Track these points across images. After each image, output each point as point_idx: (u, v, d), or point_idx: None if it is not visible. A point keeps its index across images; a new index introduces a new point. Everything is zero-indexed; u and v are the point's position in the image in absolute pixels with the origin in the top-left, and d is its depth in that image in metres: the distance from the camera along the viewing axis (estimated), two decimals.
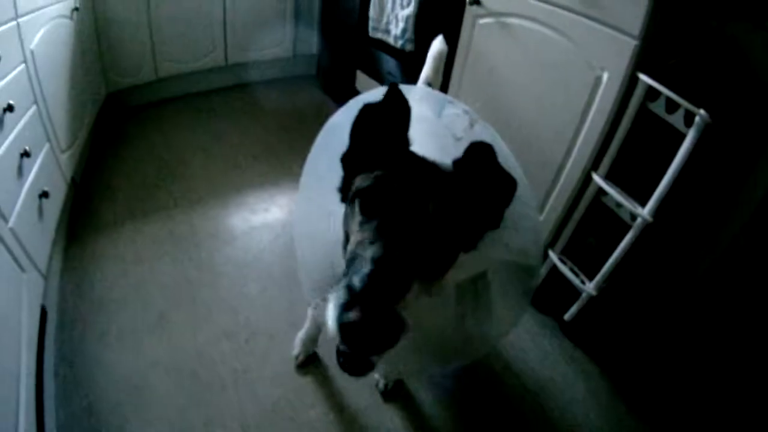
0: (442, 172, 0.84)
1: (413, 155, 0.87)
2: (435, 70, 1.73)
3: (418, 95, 1.30)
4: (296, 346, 1.71)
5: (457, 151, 0.83)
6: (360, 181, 0.83)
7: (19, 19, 1.77)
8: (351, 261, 0.72)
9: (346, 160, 0.91)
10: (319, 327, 1.61)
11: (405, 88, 0.87)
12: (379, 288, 0.63)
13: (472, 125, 1.17)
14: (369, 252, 0.69)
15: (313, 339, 1.68)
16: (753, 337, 1.62)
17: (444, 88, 2.19)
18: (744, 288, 1.65)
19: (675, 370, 1.77)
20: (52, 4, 2.17)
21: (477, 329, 1.08)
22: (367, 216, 0.78)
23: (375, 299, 0.62)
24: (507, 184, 0.80)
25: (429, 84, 1.68)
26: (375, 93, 1.08)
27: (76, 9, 2.54)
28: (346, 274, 0.71)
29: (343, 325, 0.62)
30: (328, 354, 1.73)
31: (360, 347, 0.64)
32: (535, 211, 1.31)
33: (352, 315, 0.61)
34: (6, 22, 1.66)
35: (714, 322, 1.72)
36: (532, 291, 1.08)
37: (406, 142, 0.89)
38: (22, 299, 1.44)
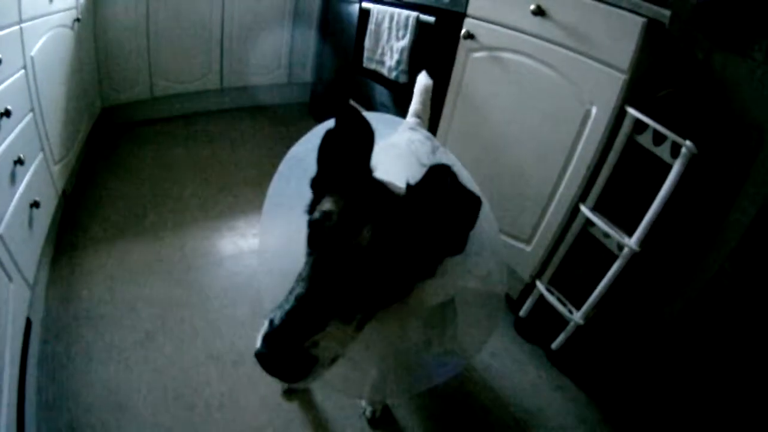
0: (395, 197, 0.81)
1: (372, 180, 0.85)
2: (423, 103, 1.73)
3: (383, 122, 1.27)
4: None
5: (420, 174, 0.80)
6: (316, 210, 0.82)
7: (23, 24, 1.73)
8: (290, 292, 0.72)
9: (315, 184, 0.90)
10: None
11: (369, 115, 0.84)
12: (291, 327, 0.66)
13: (434, 151, 1.20)
14: (297, 288, 0.71)
15: None
16: (740, 362, 1.60)
17: (435, 120, 2.19)
18: (731, 314, 1.63)
19: (663, 398, 1.73)
20: (55, 13, 2.13)
21: (443, 354, 1.07)
22: (310, 249, 0.78)
23: (285, 337, 0.65)
24: (471, 204, 0.76)
25: (418, 117, 1.68)
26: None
27: (78, 20, 2.51)
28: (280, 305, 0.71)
29: (257, 355, 0.66)
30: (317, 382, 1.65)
31: (272, 374, 0.67)
32: (497, 236, 1.30)
33: (263, 349, 0.66)
34: (10, 26, 1.61)
35: (701, 348, 1.69)
36: (498, 315, 1.12)
37: (366, 166, 0.86)
38: (7, 310, 1.36)
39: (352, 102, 3.09)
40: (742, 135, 1.48)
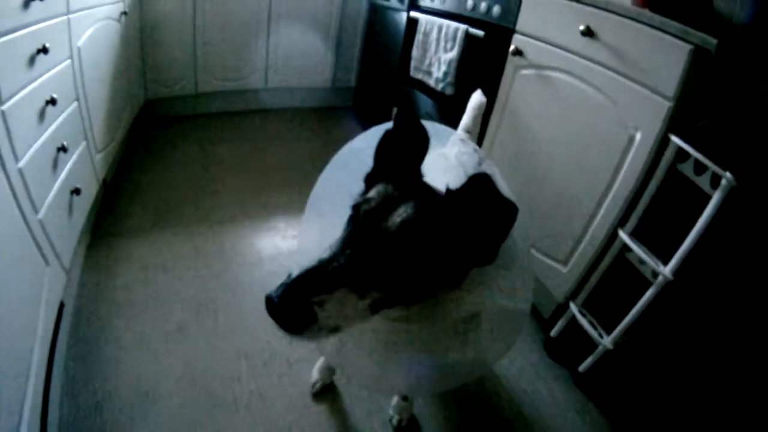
0: (434, 197, 0.83)
1: (419, 181, 0.89)
2: (474, 120, 1.71)
3: (438, 133, 1.33)
4: (314, 375, 1.62)
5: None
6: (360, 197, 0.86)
7: (70, 15, 1.73)
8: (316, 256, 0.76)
9: (369, 178, 0.93)
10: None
11: (428, 125, 0.90)
12: (302, 282, 0.70)
13: (480, 164, 1.23)
14: (323, 253, 0.75)
15: (330, 369, 1.61)
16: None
17: (481, 134, 2.16)
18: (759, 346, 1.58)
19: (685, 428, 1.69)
20: (102, 5, 2.15)
21: (460, 362, 1.08)
22: (348, 224, 0.82)
23: (296, 288, 0.69)
24: (506, 211, 0.76)
25: (468, 132, 1.66)
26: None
27: (125, 13, 2.53)
28: None
29: (266, 297, 0.69)
30: (345, 386, 1.64)
31: (273, 318, 0.70)
32: (528, 252, 1.33)
33: (274, 293, 0.69)
34: (57, 16, 1.62)
35: (728, 381, 1.64)
36: (520, 332, 1.11)
37: (417, 167, 0.91)
38: (42, 292, 1.37)
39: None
40: None
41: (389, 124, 0.92)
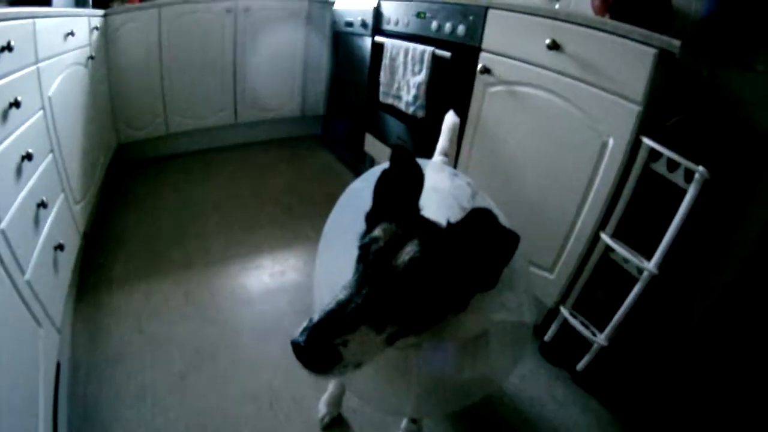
0: (437, 232, 0.86)
1: (419, 216, 0.91)
2: (450, 141, 1.73)
3: (431, 168, 1.39)
4: (321, 409, 1.58)
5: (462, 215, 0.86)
6: (367, 236, 0.88)
7: (39, 64, 1.67)
8: (333, 298, 0.77)
9: (369, 217, 0.95)
10: (343, 388, 1.55)
11: (421, 162, 0.93)
12: (325, 325, 0.71)
13: (474, 196, 1.27)
14: (339, 294, 0.76)
15: (337, 401, 1.58)
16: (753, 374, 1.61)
17: (455, 154, 2.15)
18: (740, 328, 1.65)
19: (686, 411, 1.71)
20: (70, 51, 2.09)
21: (475, 379, 1.10)
22: (358, 264, 0.84)
23: (321, 331, 0.71)
24: (509, 241, 0.80)
25: (445, 154, 1.69)
26: None
27: (92, 57, 2.47)
28: None
29: (292, 343, 0.71)
30: (353, 416, 1.60)
31: (301, 362, 0.72)
32: (528, 270, 1.36)
33: (299, 338, 0.71)
34: (27, 66, 1.56)
35: (717, 361, 1.70)
36: (527, 344, 1.13)
37: (415, 204, 0.93)
38: (38, 356, 1.30)
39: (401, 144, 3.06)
40: (754, 149, 1.49)
41: (386, 164, 0.94)
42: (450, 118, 1.77)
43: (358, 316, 0.74)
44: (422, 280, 0.78)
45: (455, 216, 0.87)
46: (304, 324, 0.73)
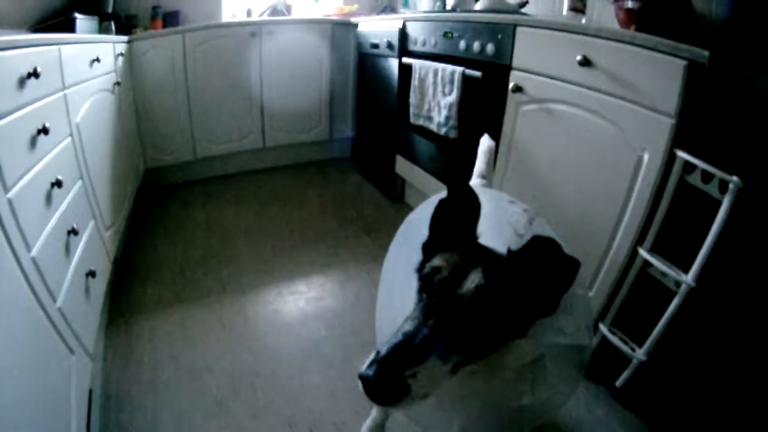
0: (499, 260, 0.86)
1: (478, 245, 0.91)
2: (487, 163, 1.74)
3: (486, 196, 1.33)
4: None
5: (519, 246, 0.86)
6: (427, 265, 0.87)
7: (66, 91, 1.68)
8: (398, 330, 0.77)
9: (426, 247, 0.95)
10: (386, 413, 1.52)
11: (476, 189, 0.93)
12: (394, 357, 0.71)
13: (530, 222, 1.23)
14: (405, 325, 0.76)
15: (380, 426, 1.54)
16: None
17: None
18: None
19: (726, 425, 1.66)
20: (96, 77, 2.11)
21: (535, 404, 1.08)
22: (421, 295, 0.84)
23: (390, 365, 0.70)
24: (570, 267, 0.81)
25: (483, 177, 1.70)
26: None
27: (118, 83, 2.50)
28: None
29: (361, 376, 0.70)
30: None
31: (369, 396, 0.70)
32: (586, 293, 1.34)
33: (368, 371, 0.69)
34: (54, 93, 1.57)
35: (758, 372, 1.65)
36: (585, 365, 1.12)
37: (473, 233, 0.93)
38: (71, 384, 1.29)
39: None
40: None
41: (442, 194, 0.94)
42: (485, 142, 1.78)
43: (426, 347, 0.73)
44: (489, 308, 0.78)
45: (512, 243, 0.88)
46: (372, 356, 0.72)
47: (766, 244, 1.54)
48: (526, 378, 1.03)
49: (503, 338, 0.86)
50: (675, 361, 1.76)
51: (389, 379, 0.69)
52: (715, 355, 1.72)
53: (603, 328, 1.76)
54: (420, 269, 0.94)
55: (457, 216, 0.92)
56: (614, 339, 1.71)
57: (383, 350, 0.72)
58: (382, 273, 1.21)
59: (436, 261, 0.85)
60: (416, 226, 1.11)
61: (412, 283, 0.90)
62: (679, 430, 1.68)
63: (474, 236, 0.93)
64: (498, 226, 1.15)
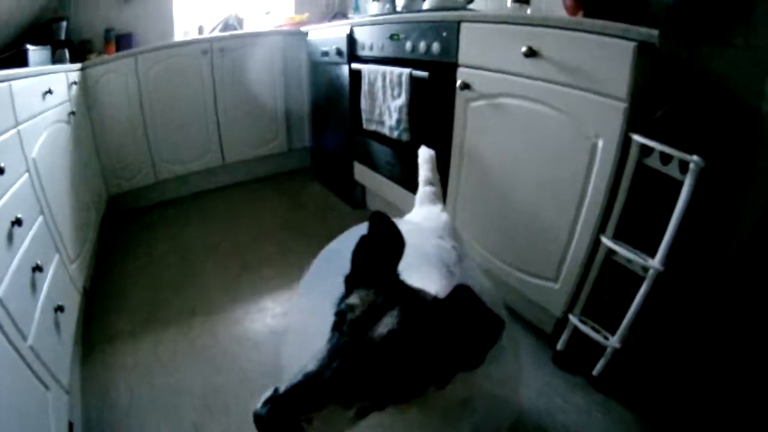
0: (418, 304, 0.81)
1: (399, 284, 0.87)
2: (431, 170, 1.74)
3: (414, 233, 1.27)
4: None
5: (449, 282, 0.87)
6: (344, 302, 0.83)
7: (19, 127, 1.66)
8: (301, 369, 0.73)
9: (348, 281, 0.91)
10: None
11: (401, 224, 0.89)
12: (290, 399, 0.67)
13: (460, 260, 1.20)
14: (309, 365, 0.72)
15: None
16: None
17: (444, 175, 2.09)
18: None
19: (705, 405, 1.68)
20: (49, 109, 2.08)
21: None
22: (333, 333, 0.79)
23: (285, 406, 0.67)
24: (493, 325, 0.76)
25: (431, 183, 1.69)
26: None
27: (73, 113, 2.46)
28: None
29: (254, 415, 0.68)
30: None
31: None
32: (515, 346, 1.33)
33: (262, 410, 0.67)
34: (7, 130, 1.55)
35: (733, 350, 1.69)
36: (511, 419, 1.09)
37: (394, 270, 0.88)
38: (49, 419, 1.28)
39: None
40: (745, 127, 1.47)
41: (363, 227, 0.92)
42: (424, 152, 1.80)
43: (325, 392, 0.69)
44: (399, 355, 0.74)
45: (446, 279, 0.87)
46: (268, 393, 0.69)
47: (730, 221, 1.58)
48: (453, 418, 1.00)
49: (418, 387, 0.81)
50: (651, 346, 1.77)
51: (281, 422, 0.67)
52: (690, 336, 1.75)
53: (573, 319, 1.76)
54: (340, 303, 0.90)
55: (378, 253, 0.88)
56: (586, 329, 1.71)
57: (281, 389, 0.69)
58: (292, 301, 1.14)
59: (352, 299, 0.81)
60: (335, 257, 1.06)
61: (328, 318, 0.84)
62: (660, 413, 1.68)
63: (395, 275, 0.89)
64: (429, 261, 1.12)
